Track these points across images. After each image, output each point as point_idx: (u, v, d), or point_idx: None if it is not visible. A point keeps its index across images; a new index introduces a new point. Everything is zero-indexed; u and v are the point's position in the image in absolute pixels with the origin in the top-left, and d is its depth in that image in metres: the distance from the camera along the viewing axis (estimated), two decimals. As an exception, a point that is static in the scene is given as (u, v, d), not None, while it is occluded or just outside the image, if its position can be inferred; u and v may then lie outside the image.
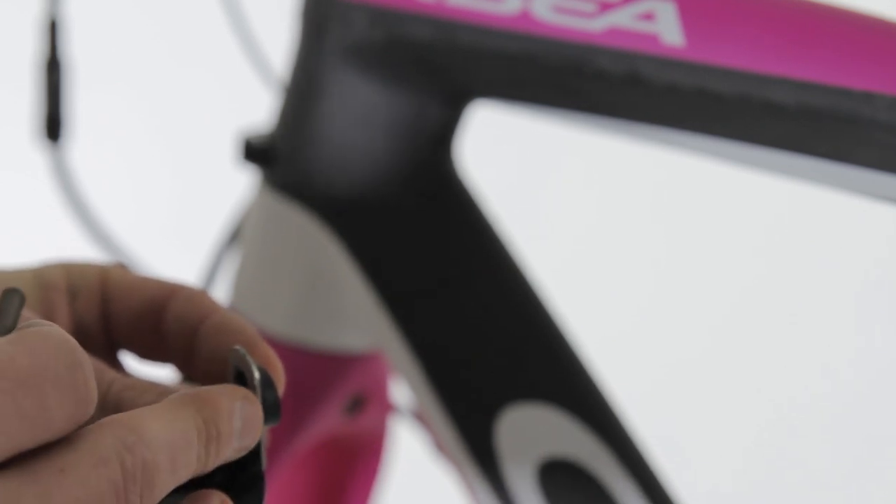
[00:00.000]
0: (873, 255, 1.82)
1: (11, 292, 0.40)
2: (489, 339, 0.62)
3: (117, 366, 0.52)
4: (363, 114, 0.63)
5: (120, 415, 0.41)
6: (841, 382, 1.75)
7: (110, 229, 0.80)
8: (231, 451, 0.44)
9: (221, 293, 0.73)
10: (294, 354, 0.69)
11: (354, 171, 0.64)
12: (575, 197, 1.87)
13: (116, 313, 0.51)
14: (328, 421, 0.74)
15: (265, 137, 0.67)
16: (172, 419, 0.42)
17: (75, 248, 1.01)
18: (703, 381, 1.75)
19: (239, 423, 0.44)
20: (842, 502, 1.67)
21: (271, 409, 0.45)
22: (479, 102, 0.64)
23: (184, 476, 0.41)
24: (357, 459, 0.81)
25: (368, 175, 0.64)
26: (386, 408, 0.79)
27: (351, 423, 0.77)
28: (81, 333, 0.50)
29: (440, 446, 0.67)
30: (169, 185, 1.84)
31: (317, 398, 0.72)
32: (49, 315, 0.49)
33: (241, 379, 0.45)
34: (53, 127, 0.76)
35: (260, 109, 0.73)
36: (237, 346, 0.46)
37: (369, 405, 0.77)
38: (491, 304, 0.62)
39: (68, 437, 0.39)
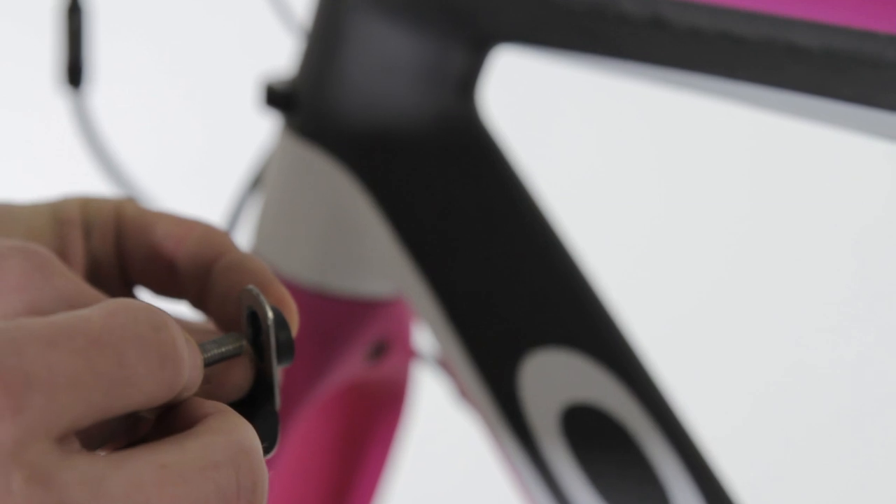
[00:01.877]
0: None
1: None
2: (513, 285, 0.62)
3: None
4: (386, 59, 0.63)
5: (227, 419, 0.39)
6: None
7: (132, 175, 0.81)
8: None
9: (244, 239, 0.73)
10: (316, 300, 0.69)
11: (377, 116, 0.64)
12: (579, 139, 1.86)
13: (131, 249, 0.50)
14: (351, 367, 0.74)
15: (287, 82, 0.67)
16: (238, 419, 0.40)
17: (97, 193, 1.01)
18: (707, 321, 1.75)
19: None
20: (847, 457, 1.68)
21: (284, 350, 0.44)
22: (503, 48, 0.63)
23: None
24: (380, 406, 0.81)
25: (391, 120, 0.64)
26: (409, 354, 0.79)
27: (373, 369, 0.77)
28: (96, 269, 0.50)
29: (463, 392, 0.68)
30: (191, 131, 1.84)
31: (339, 344, 0.72)
32: (63, 250, 0.49)
33: (254, 319, 0.45)
34: (74, 73, 0.76)
35: (282, 54, 0.73)
36: (250, 286, 0.45)
37: (392, 351, 0.77)
38: (515, 249, 0.62)
39: (177, 437, 0.37)
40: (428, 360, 0.80)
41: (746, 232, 1.81)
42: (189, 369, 0.38)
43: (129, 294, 0.51)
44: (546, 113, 1.83)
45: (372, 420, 0.81)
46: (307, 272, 0.69)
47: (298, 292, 0.69)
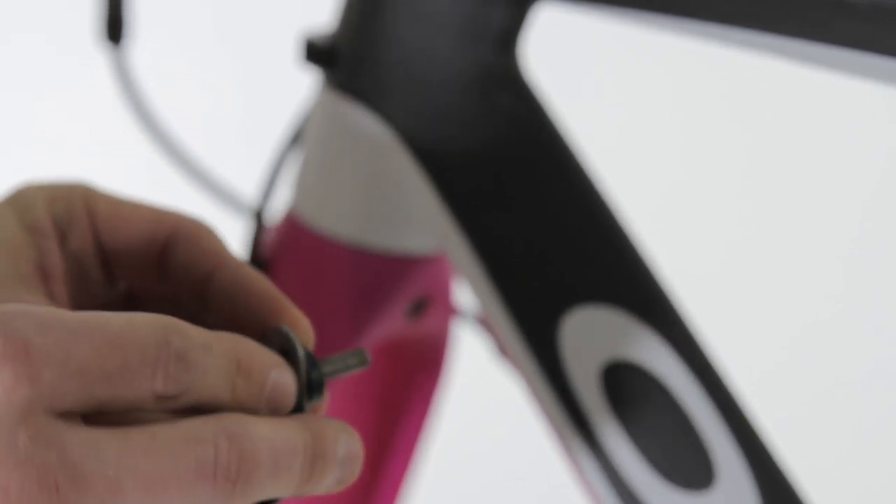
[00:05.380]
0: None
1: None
2: (554, 242, 0.62)
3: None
4: (427, 13, 0.63)
5: (230, 413, 0.42)
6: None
7: (172, 131, 0.81)
8: (333, 479, 0.45)
9: (284, 194, 0.73)
10: (357, 256, 0.69)
11: (417, 71, 0.63)
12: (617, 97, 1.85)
13: (111, 249, 0.50)
14: (391, 324, 0.74)
15: (328, 38, 0.67)
16: (280, 426, 0.43)
17: (137, 150, 1.01)
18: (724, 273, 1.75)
19: (343, 451, 0.45)
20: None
21: (316, 388, 0.47)
22: (544, 3, 0.63)
23: (285, 483, 0.43)
24: (419, 363, 0.81)
25: (432, 75, 0.63)
26: (449, 311, 0.79)
27: (413, 326, 0.77)
28: (77, 272, 0.50)
29: (503, 350, 0.67)
30: (231, 87, 1.84)
31: (379, 300, 0.72)
32: (42, 261, 0.48)
33: (284, 355, 0.47)
34: (115, 28, 0.76)
35: (324, 9, 0.73)
36: (281, 328, 0.47)
37: (432, 308, 0.77)
38: (557, 206, 0.62)
39: (176, 418, 0.41)
40: (468, 318, 0.80)
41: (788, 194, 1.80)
42: (208, 378, 0.42)
43: (114, 290, 0.52)
44: (584, 71, 1.82)
45: (411, 377, 0.81)
46: (347, 228, 0.69)
47: (338, 248, 0.69)
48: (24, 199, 0.49)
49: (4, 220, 0.49)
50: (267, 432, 0.42)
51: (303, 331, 0.49)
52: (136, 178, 1.58)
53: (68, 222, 0.50)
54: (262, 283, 0.50)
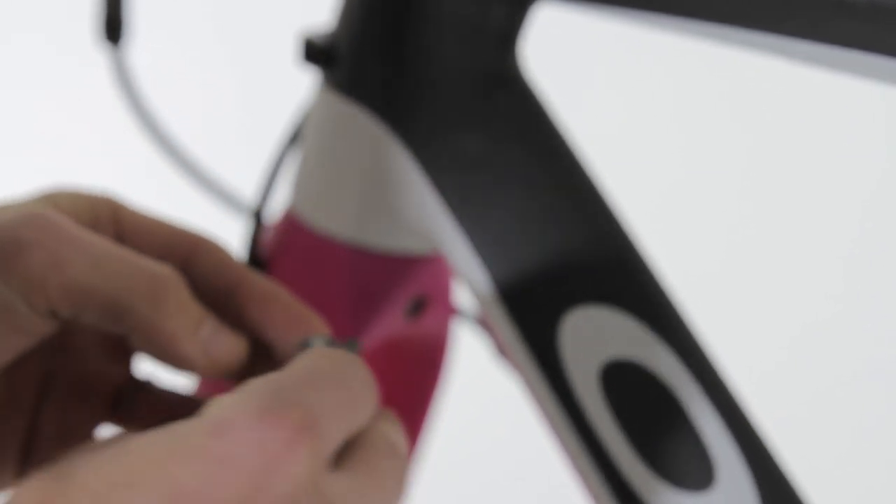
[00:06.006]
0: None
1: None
2: (554, 242, 0.62)
3: None
4: (426, 12, 0.62)
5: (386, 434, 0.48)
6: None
7: (171, 130, 0.80)
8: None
9: (283, 196, 0.73)
10: (355, 256, 0.69)
11: (416, 71, 0.63)
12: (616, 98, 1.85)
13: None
14: (390, 323, 0.74)
15: (326, 37, 0.67)
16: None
17: (137, 150, 1.01)
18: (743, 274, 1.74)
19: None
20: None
21: None
22: (544, 3, 0.63)
23: None
24: (419, 363, 0.81)
25: (431, 75, 0.63)
26: (448, 311, 0.79)
27: (412, 325, 0.77)
28: None
29: (502, 350, 0.67)
30: (230, 84, 1.84)
31: (378, 299, 0.72)
32: None
33: None
34: (113, 28, 0.76)
35: (322, 9, 0.72)
36: (315, 338, 0.51)
37: (431, 308, 0.76)
38: (556, 206, 0.62)
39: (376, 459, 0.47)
40: (468, 318, 0.80)
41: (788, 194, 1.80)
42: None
43: None
44: (584, 71, 1.82)
45: (411, 377, 0.81)
46: (346, 228, 0.69)
47: (337, 248, 0.69)
48: (52, 202, 0.50)
49: None
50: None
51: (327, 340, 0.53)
52: (136, 177, 1.58)
53: (94, 230, 0.50)
54: (285, 295, 0.52)
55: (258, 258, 0.72)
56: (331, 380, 0.44)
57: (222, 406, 0.41)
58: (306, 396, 0.42)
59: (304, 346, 0.51)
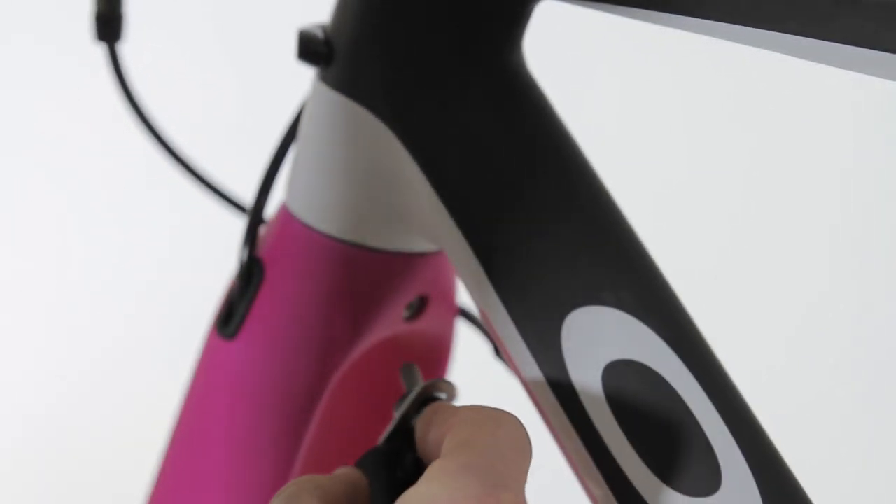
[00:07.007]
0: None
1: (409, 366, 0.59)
2: (555, 241, 0.61)
3: None
4: (425, 10, 0.62)
5: None
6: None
7: (169, 129, 0.80)
8: None
9: (281, 192, 0.72)
10: (354, 255, 0.69)
11: (415, 69, 0.63)
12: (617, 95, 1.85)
13: None
14: (390, 322, 0.74)
15: (323, 35, 0.66)
16: None
17: (137, 150, 1.00)
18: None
19: None
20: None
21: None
22: (544, 1, 0.62)
23: None
24: (419, 362, 0.81)
25: (430, 73, 0.63)
26: (449, 310, 0.78)
27: (413, 324, 0.76)
28: None
29: (503, 350, 0.67)
30: (229, 84, 1.84)
31: (379, 298, 0.72)
32: None
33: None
34: (109, 26, 0.76)
35: (323, 9, 0.72)
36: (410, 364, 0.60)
37: (432, 307, 0.76)
38: (557, 205, 0.61)
39: None
40: (468, 317, 0.79)
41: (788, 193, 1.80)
42: None
43: None
44: (585, 69, 1.82)
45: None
46: (344, 228, 0.68)
47: (336, 247, 0.69)
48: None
49: None
50: None
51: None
52: (136, 177, 1.58)
53: None
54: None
55: (256, 257, 0.72)
56: (511, 449, 0.49)
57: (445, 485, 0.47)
58: (500, 464, 0.48)
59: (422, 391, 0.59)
